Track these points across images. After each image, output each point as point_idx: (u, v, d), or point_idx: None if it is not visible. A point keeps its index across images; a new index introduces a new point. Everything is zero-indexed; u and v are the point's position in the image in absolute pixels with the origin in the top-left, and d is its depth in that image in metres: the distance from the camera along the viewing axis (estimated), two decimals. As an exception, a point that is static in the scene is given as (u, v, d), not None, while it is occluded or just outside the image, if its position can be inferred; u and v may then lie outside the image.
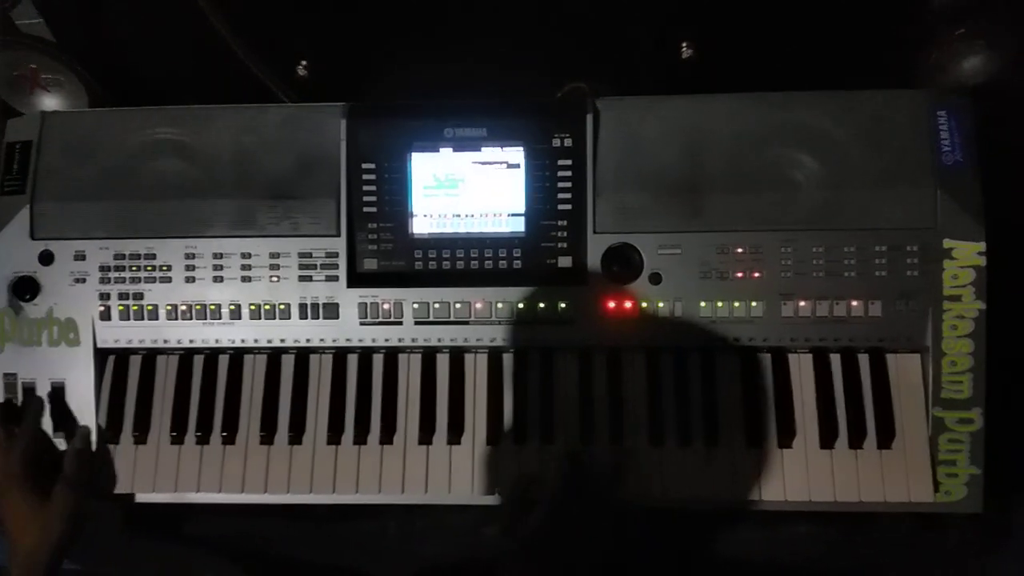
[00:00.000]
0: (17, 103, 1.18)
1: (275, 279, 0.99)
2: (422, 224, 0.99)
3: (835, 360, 0.97)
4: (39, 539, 0.89)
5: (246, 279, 0.99)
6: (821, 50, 1.13)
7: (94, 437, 0.99)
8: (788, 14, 1.11)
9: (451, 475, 0.97)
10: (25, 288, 1.00)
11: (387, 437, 0.98)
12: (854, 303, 0.95)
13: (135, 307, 1.00)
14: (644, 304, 0.97)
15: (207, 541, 1.04)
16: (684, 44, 1.17)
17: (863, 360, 0.97)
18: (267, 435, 0.98)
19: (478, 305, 0.98)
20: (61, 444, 0.99)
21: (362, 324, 0.99)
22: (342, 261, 0.99)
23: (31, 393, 1.00)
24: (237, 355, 1.01)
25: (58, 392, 1.00)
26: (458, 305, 0.98)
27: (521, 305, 0.98)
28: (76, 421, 1.00)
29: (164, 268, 1.00)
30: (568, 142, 0.98)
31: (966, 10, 1.07)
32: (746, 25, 1.14)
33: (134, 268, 1.00)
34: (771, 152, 0.97)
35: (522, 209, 0.98)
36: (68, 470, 0.94)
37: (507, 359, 1.00)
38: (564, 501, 0.90)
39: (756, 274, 0.96)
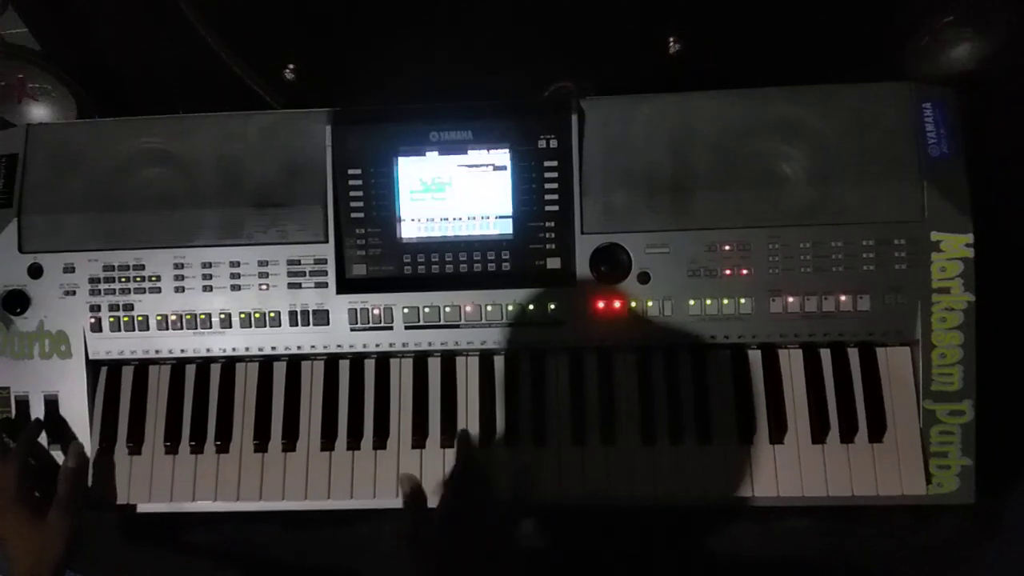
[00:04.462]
0: (5, 113, 1.18)
1: (264, 287, 0.99)
2: (410, 228, 0.99)
3: (825, 355, 0.98)
4: (37, 559, 0.90)
5: (235, 288, 0.99)
6: (809, 42, 1.13)
7: (89, 450, 0.99)
8: (776, 5, 1.11)
9: (445, 478, 0.97)
10: (15, 302, 1.00)
11: (380, 442, 0.98)
12: (843, 297, 0.95)
13: (126, 318, 1.00)
14: (633, 303, 0.97)
15: (204, 549, 1.05)
16: (672, 39, 1.16)
17: (853, 354, 0.97)
18: (261, 443, 0.99)
19: (468, 308, 0.98)
20: (58, 455, 0.99)
21: (352, 330, 0.99)
22: (331, 267, 0.99)
23: (25, 405, 1.00)
24: (229, 364, 1.01)
25: (51, 405, 1.00)
26: (448, 309, 0.98)
27: (511, 307, 0.98)
28: (71, 434, 1.00)
29: (153, 278, 1.00)
30: (554, 143, 0.98)
31: (953, -2, 1.06)
32: (734, 18, 1.13)
33: (123, 279, 1.00)
34: (757, 148, 0.97)
35: (509, 211, 0.98)
36: (61, 492, 0.94)
37: (498, 361, 1.00)
38: (452, 504, 0.90)
39: (744, 271, 0.96)
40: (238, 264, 0.99)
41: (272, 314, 0.99)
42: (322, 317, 0.99)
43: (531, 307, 0.98)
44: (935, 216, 0.94)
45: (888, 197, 0.95)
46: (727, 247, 0.96)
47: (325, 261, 0.99)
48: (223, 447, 0.99)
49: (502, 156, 0.98)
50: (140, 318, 1.00)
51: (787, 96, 0.97)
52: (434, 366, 1.00)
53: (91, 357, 1.00)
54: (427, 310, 0.98)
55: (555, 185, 0.98)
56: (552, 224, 0.98)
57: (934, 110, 0.96)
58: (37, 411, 1.00)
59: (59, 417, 1.00)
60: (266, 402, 1.00)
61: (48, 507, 0.92)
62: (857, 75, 0.98)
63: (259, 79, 1.14)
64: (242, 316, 0.99)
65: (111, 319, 1.00)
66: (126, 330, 1.00)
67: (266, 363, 1.01)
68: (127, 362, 1.02)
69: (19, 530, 0.91)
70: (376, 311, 0.99)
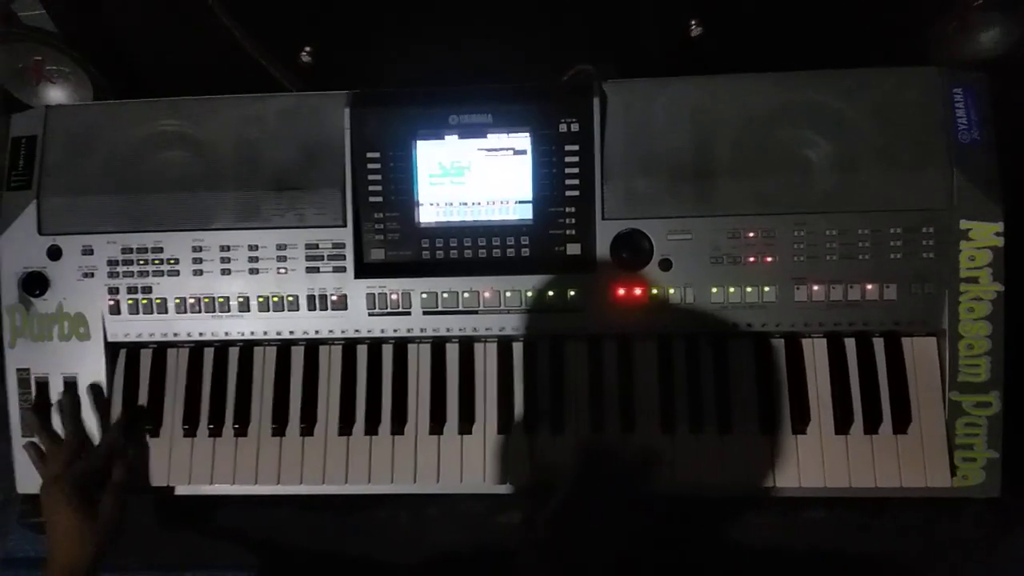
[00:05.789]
0: (23, 96, 1.17)
1: (282, 271, 0.99)
2: (428, 213, 0.98)
3: (850, 344, 0.96)
4: (81, 550, 0.88)
5: (254, 271, 0.99)
6: (833, 26, 1.10)
7: (99, 432, 1.00)
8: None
9: (463, 464, 0.97)
10: (35, 284, 1.00)
11: (398, 428, 0.98)
12: (869, 286, 0.94)
13: (144, 301, 1.00)
14: (654, 291, 0.96)
15: (221, 531, 1.05)
16: (693, 22, 1.15)
17: (878, 344, 0.96)
18: (279, 427, 0.99)
19: (486, 294, 0.97)
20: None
21: (370, 315, 0.98)
22: (349, 252, 0.98)
23: (45, 387, 1.00)
24: (247, 348, 1.01)
25: (71, 387, 1.00)
26: (466, 294, 0.97)
27: (530, 293, 0.97)
28: (103, 416, 1.00)
29: (172, 261, 0.99)
30: (575, 127, 0.96)
31: (984, -20, 1.04)
32: (756, 0, 1.11)
33: (142, 262, 1.00)
34: (783, 133, 0.95)
35: (529, 196, 0.97)
36: (118, 479, 0.94)
37: (517, 348, 0.99)
38: (580, 491, 0.90)
39: (768, 258, 0.95)
40: (256, 248, 0.99)
41: (290, 298, 0.99)
42: (340, 302, 0.98)
43: (550, 293, 0.97)
44: (964, 204, 0.92)
45: (916, 184, 0.93)
46: (751, 234, 0.95)
47: (343, 245, 0.98)
48: (241, 431, 0.99)
49: (522, 140, 0.97)
50: (158, 301, 0.99)
51: (812, 80, 0.95)
52: (452, 352, 0.99)
53: (110, 340, 1.00)
54: (445, 295, 0.98)
55: (576, 170, 0.96)
56: (572, 209, 0.97)
57: (965, 95, 0.93)
58: (57, 393, 1.00)
59: (82, 399, 1.00)
60: (284, 386, 1.00)
61: (92, 496, 0.92)
62: (882, 59, 0.96)
63: (276, 62, 1.13)
64: (260, 300, 0.99)
65: (129, 302, 1.00)
66: (144, 313, 1.00)
67: (284, 347, 1.01)
68: (145, 345, 1.02)
69: (68, 520, 0.89)
70: (394, 296, 0.98)
